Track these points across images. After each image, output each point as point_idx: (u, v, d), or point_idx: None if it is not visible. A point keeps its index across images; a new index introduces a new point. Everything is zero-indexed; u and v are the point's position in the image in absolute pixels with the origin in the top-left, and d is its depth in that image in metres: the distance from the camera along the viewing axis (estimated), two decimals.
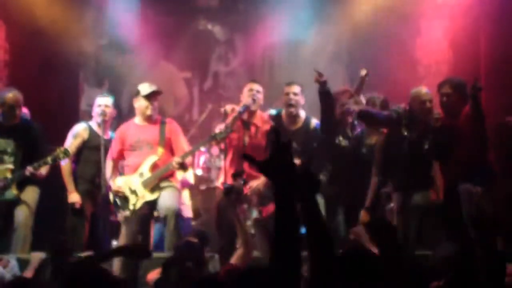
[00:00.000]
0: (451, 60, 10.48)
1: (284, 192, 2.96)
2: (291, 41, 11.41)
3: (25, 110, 8.75)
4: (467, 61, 9.81)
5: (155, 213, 8.08)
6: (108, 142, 8.39)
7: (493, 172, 7.74)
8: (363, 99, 8.54)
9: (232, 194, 6.94)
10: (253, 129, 8.16)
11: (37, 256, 7.01)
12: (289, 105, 8.33)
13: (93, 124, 8.63)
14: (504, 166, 8.15)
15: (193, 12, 11.94)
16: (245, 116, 8.18)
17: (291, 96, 8.34)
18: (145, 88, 8.12)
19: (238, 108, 8.03)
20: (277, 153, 2.96)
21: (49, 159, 7.96)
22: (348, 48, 11.36)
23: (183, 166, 7.97)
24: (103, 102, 8.59)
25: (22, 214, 8.12)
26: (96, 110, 8.59)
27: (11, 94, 8.19)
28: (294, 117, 8.40)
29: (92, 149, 8.45)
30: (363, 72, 8.46)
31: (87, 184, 8.59)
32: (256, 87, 8.26)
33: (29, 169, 7.91)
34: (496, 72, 9.70)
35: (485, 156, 7.74)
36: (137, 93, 8.15)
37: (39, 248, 7.41)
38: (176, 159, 7.81)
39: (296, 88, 8.41)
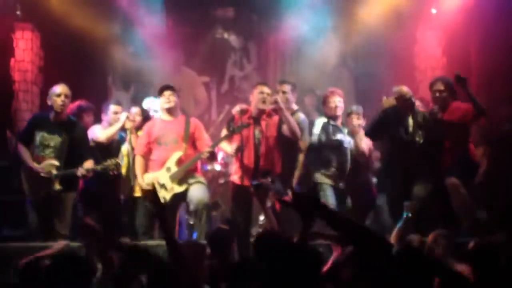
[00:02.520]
0: (444, 66, 10.89)
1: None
2: (300, 48, 11.76)
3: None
4: (459, 67, 9.96)
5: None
6: (118, 142, 8.74)
7: (473, 163, 8.16)
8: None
9: (261, 190, 7.22)
10: (263, 123, 8.31)
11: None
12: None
13: (102, 127, 8.82)
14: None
15: (211, 22, 12.29)
16: (256, 115, 8.39)
17: (280, 94, 8.63)
18: (162, 87, 8.39)
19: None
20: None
21: (99, 167, 8.09)
22: (353, 54, 11.73)
23: (212, 156, 8.27)
24: (119, 110, 8.82)
25: (67, 202, 8.20)
26: (112, 117, 8.75)
27: (60, 87, 8.16)
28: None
29: (103, 150, 8.60)
30: None
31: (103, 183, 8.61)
32: (266, 89, 8.42)
33: (81, 171, 7.98)
34: (485, 76, 9.98)
35: (467, 148, 8.17)
36: (158, 93, 8.44)
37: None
38: (207, 149, 8.02)
39: (286, 87, 8.76)
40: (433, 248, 6.13)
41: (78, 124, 8.49)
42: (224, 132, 8.56)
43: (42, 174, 8.03)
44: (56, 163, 8.08)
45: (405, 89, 8.22)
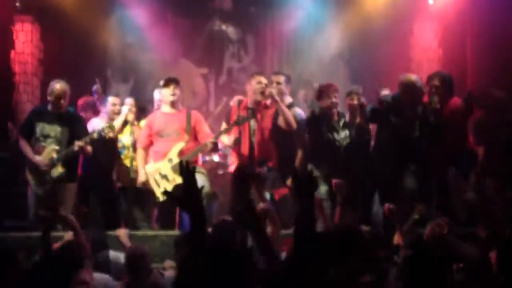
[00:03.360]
0: (440, 58, 10.98)
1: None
2: (297, 40, 11.86)
3: None
4: (455, 59, 10.18)
5: None
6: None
7: (474, 155, 7.96)
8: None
9: (258, 180, 7.25)
10: (259, 114, 8.33)
11: (124, 232, 7.34)
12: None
13: (102, 120, 8.79)
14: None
15: (208, 14, 12.31)
16: (252, 105, 8.40)
17: (274, 84, 8.62)
18: (164, 79, 8.36)
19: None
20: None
21: (95, 134, 8.08)
22: (350, 46, 11.76)
23: (216, 146, 8.27)
24: (117, 101, 8.86)
25: (68, 192, 8.21)
26: (111, 109, 8.79)
27: (59, 85, 8.16)
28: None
29: (104, 143, 8.55)
30: None
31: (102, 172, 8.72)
32: (264, 79, 8.44)
33: (77, 143, 7.96)
34: (480, 68, 10.13)
35: (467, 141, 8.03)
36: (160, 85, 8.43)
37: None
38: (211, 140, 8.02)
39: (280, 78, 8.75)
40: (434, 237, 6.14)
41: (77, 115, 8.54)
42: (223, 124, 8.62)
43: (42, 168, 8.06)
44: (56, 147, 8.11)
45: (414, 77, 8.12)
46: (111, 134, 8.45)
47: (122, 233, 7.54)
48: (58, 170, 8.11)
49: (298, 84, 10.72)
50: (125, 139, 8.85)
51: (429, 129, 8.01)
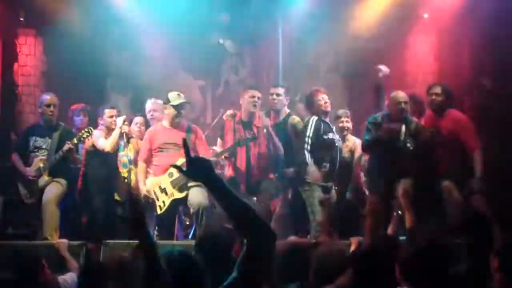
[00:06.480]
0: (436, 71, 10.98)
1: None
2: (293, 54, 11.90)
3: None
4: (451, 72, 10.16)
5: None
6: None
7: (469, 169, 7.91)
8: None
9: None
10: (254, 129, 8.42)
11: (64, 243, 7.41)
12: (272, 103, 8.75)
13: (101, 132, 8.79)
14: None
15: (206, 28, 12.23)
16: (246, 119, 8.55)
17: (274, 96, 8.70)
18: (174, 97, 8.36)
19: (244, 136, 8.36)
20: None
21: (75, 139, 8.29)
22: (345, 60, 11.78)
23: None
24: (114, 113, 8.85)
25: (49, 192, 8.26)
26: (109, 120, 8.79)
27: (49, 96, 8.62)
28: (276, 112, 8.76)
29: (102, 154, 8.65)
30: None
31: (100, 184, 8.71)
32: (257, 93, 8.54)
33: (68, 144, 8.26)
34: (476, 81, 10.10)
35: (464, 155, 7.97)
36: (168, 100, 8.39)
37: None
38: None
39: (280, 90, 8.76)
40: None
41: (65, 127, 8.74)
42: (218, 141, 8.75)
43: (31, 177, 8.37)
44: (44, 157, 8.42)
45: (400, 94, 8.12)
46: (90, 138, 8.55)
47: (61, 244, 7.53)
48: (45, 178, 8.35)
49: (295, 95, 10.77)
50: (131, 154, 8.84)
51: (421, 146, 8.04)
